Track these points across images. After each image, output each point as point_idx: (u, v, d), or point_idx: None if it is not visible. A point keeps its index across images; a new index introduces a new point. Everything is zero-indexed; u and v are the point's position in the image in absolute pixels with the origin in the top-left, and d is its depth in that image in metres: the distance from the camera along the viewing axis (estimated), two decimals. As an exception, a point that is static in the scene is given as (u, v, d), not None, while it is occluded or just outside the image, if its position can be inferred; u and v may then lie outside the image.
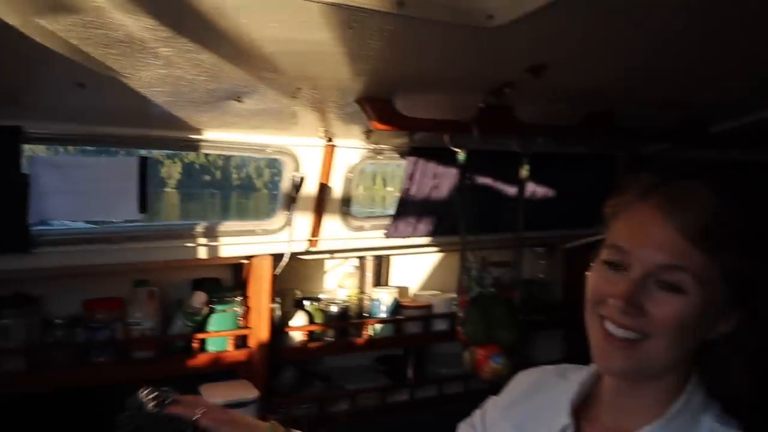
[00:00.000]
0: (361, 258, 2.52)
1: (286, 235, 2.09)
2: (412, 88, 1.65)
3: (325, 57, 1.33)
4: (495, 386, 1.25)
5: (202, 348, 2.16)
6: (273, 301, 2.25)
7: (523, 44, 1.36)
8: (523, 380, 1.12)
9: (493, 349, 1.69)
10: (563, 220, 2.23)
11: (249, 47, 1.26)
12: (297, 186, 1.94)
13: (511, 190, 2.07)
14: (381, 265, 2.55)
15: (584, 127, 1.81)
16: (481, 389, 2.48)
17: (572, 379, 1.03)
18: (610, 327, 0.85)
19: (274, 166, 2.10)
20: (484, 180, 2.00)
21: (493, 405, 1.14)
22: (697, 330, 0.85)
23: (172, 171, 14.70)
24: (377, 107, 1.68)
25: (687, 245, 0.82)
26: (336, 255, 2.48)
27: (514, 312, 1.77)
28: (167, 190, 14.28)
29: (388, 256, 2.59)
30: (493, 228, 1.86)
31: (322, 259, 2.54)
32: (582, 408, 1.00)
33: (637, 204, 0.87)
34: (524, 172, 1.80)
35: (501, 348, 1.70)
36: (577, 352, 2.62)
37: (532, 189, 2.13)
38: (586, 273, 0.90)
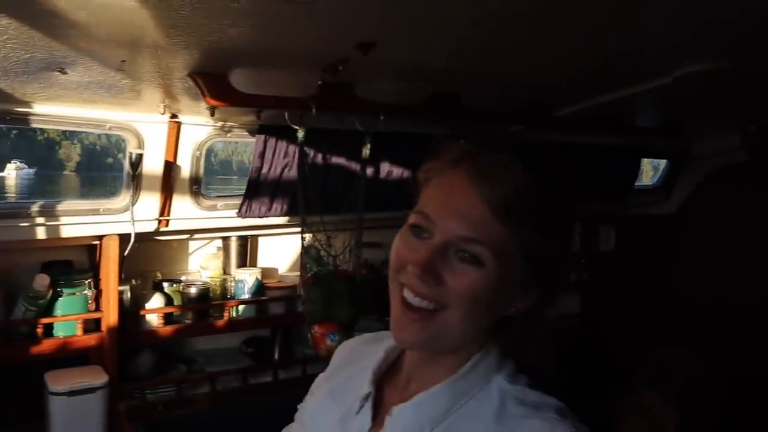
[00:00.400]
0: (225, 239, 2.48)
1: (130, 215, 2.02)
2: (248, 63, 1.62)
3: (146, 27, 1.28)
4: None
5: (49, 333, 2.07)
6: (125, 283, 2.18)
7: (348, 20, 1.36)
8: (341, 350, 1.13)
9: (331, 327, 1.70)
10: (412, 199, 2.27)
11: (57, 13, 1.20)
12: (134, 164, 1.88)
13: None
14: (246, 247, 2.52)
15: (429, 106, 1.83)
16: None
17: (385, 345, 1.03)
18: (408, 295, 0.84)
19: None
20: (335, 159, 2.00)
21: (318, 379, 1.14)
22: (493, 303, 0.85)
23: (71, 153, 14.01)
24: (211, 82, 1.64)
25: (490, 218, 0.81)
26: (197, 236, 2.43)
27: (354, 290, 1.78)
28: (66, 173, 13.62)
29: (255, 236, 2.56)
30: (337, 208, 1.86)
31: (186, 241, 2.48)
32: (388, 374, 1.00)
33: (449, 171, 0.85)
34: (366, 150, 1.81)
35: (339, 326, 1.71)
36: None
37: (387, 169, 2.15)
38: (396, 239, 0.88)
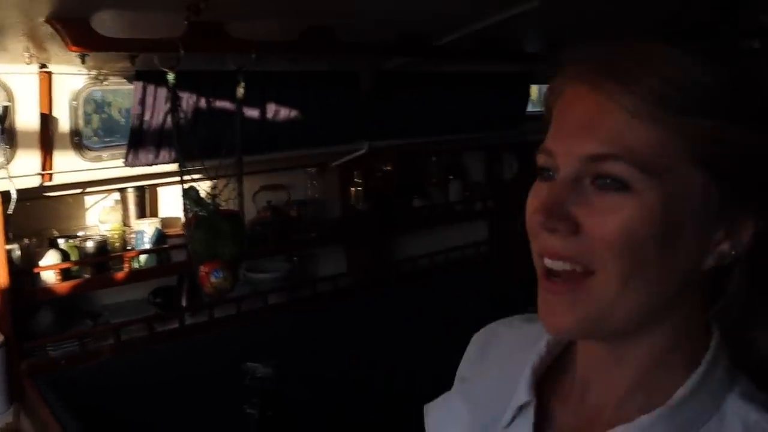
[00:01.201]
0: (122, 191, 2.45)
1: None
2: (110, 4, 1.58)
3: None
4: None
5: (-62, 298, 2.02)
6: (15, 241, 2.14)
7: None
8: (478, 337, 0.85)
9: (214, 265, 1.74)
10: (310, 138, 2.29)
11: None
12: (2, 117, 1.82)
13: (250, 111, 2.08)
14: (143, 197, 2.49)
15: (303, 42, 1.83)
16: (252, 310, 2.58)
17: (545, 335, 0.71)
18: (548, 261, 0.60)
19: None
20: (213, 101, 1.98)
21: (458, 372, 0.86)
22: (669, 248, 0.57)
23: None
24: (71, 28, 1.59)
25: (630, 122, 0.56)
26: (92, 189, 2.39)
27: (238, 228, 1.81)
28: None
29: (153, 186, 2.54)
30: (217, 151, 1.86)
31: (81, 196, 2.44)
32: (549, 375, 0.72)
33: (570, 85, 0.61)
34: (240, 90, 1.80)
35: (223, 263, 1.75)
36: (356, 265, 2.74)
37: (274, 109, 2.15)
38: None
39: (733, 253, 0.58)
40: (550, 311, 0.60)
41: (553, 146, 0.60)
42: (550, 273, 0.59)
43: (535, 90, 3.02)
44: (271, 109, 2.12)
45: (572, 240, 0.57)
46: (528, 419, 0.67)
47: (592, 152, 0.56)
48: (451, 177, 3.19)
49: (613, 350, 0.63)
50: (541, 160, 0.61)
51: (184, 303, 2.51)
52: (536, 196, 0.61)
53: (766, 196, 0.57)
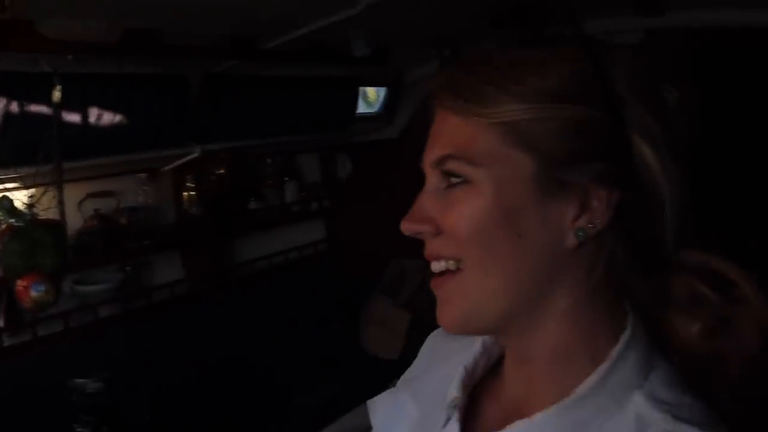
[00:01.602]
0: None
1: None
2: None
3: None
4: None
5: None
6: None
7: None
8: (431, 338, 0.87)
9: (34, 278, 1.64)
10: (138, 143, 2.21)
11: None
12: None
13: (70, 115, 1.97)
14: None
15: (125, 44, 1.78)
16: (82, 325, 2.44)
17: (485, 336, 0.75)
18: (432, 264, 0.65)
19: None
20: (28, 105, 1.86)
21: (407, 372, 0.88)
22: (513, 232, 0.60)
23: None
24: None
25: (458, 124, 0.63)
26: None
27: (59, 238, 1.72)
28: None
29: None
30: (33, 157, 1.75)
31: None
32: (490, 376, 0.75)
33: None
34: (56, 94, 1.71)
35: (43, 275, 1.65)
36: (193, 271, 2.64)
37: (97, 113, 2.05)
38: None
39: (592, 226, 0.60)
40: (439, 309, 0.65)
41: (422, 163, 0.68)
42: (434, 274, 0.65)
43: (373, 92, 3.15)
44: (93, 112, 2.03)
45: (438, 241, 0.63)
46: (455, 418, 0.69)
47: (435, 157, 0.64)
48: (287, 178, 3.22)
49: (516, 346, 0.66)
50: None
51: (1, 323, 2.31)
52: None
53: (599, 169, 0.59)
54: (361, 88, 2.99)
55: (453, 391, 0.71)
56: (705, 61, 3.11)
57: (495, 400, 0.71)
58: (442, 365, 0.78)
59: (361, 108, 3.09)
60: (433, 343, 0.87)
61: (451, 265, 0.63)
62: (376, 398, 0.85)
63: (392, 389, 0.85)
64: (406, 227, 0.66)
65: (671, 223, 0.61)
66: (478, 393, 0.73)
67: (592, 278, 0.62)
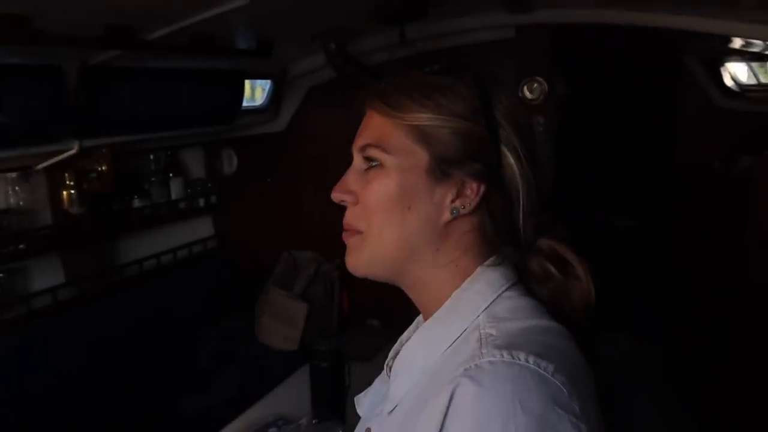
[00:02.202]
0: None
1: None
2: None
3: None
4: None
5: None
6: None
7: None
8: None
9: None
10: (5, 140, 2.09)
11: None
12: None
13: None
14: None
15: (-5, 32, 1.67)
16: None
17: None
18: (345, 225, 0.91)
19: None
20: None
21: None
22: (406, 203, 0.84)
23: None
24: None
25: (379, 120, 0.87)
26: None
27: None
28: None
29: None
30: None
31: None
32: None
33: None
34: None
35: None
36: (76, 274, 2.50)
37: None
38: None
39: (463, 207, 0.85)
40: (347, 257, 0.91)
41: (352, 148, 0.90)
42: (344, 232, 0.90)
43: (259, 87, 3.13)
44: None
45: (355, 209, 0.88)
46: (386, 370, 0.98)
47: (361, 144, 0.88)
48: (172, 174, 3.14)
49: (412, 294, 0.92)
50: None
51: None
52: None
53: (478, 166, 0.84)
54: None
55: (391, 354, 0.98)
56: (570, 55, 3.37)
57: None
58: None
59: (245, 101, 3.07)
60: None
61: (361, 227, 0.88)
62: (361, 393, 1.06)
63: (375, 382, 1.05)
64: (334, 196, 0.90)
65: (523, 213, 0.86)
66: None
67: (464, 244, 0.87)
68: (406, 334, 1.01)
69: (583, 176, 2.88)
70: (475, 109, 0.83)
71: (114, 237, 2.89)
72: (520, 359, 0.70)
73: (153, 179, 3.05)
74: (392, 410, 0.87)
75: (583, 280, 0.84)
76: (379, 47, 2.86)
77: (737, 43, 2.90)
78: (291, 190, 3.58)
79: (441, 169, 0.84)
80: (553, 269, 0.85)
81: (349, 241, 0.90)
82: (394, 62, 2.63)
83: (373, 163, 0.86)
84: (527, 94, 2.84)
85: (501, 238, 0.87)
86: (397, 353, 0.93)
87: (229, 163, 3.51)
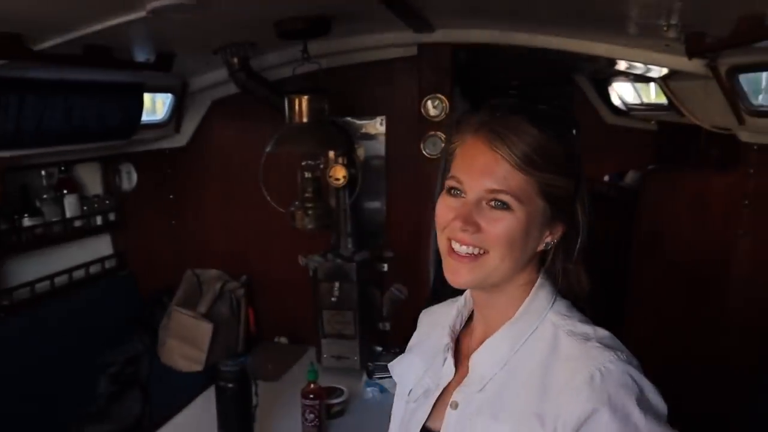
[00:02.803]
0: None
1: None
2: None
3: None
4: None
5: None
6: None
7: None
8: (425, 315, 1.39)
9: None
10: None
11: None
12: None
13: None
14: None
15: None
16: None
17: (457, 305, 1.27)
18: (456, 246, 1.08)
19: None
20: None
21: (411, 341, 1.39)
22: (525, 239, 1.07)
23: None
24: None
25: (510, 170, 1.04)
26: None
27: None
28: None
29: None
30: None
31: None
32: (466, 329, 1.24)
33: (471, 139, 1.08)
34: None
35: None
36: None
37: None
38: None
39: (552, 242, 1.12)
40: (455, 273, 1.09)
41: (464, 178, 1.07)
42: (452, 251, 1.08)
43: (159, 101, 3.04)
44: None
45: (475, 235, 1.05)
46: (450, 354, 1.19)
47: (491, 188, 1.04)
48: (66, 191, 2.99)
49: (488, 296, 1.14)
50: (452, 183, 1.09)
51: None
52: (450, 207, 1.08)
53: (567, 210, 1.10)
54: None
55: (445, 340, 1.21)
56: (469, 73, 3.49)
57: (469, 339, 1.21)
58: (433, 332, 1.28)
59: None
60: (425, 317, 1.38)
61: (477, 251, 1.07)
62: (395, 361, 1.35)
63: (402, 355, 1.35)
64: (460, 225, 1.06)
65: (579, 246, 1.14)
66: (461, 338, 1.23)
67: (536, 265, 1.15)
68: (452, 321, 1.25)
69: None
70: (573, 168, 1.09)
71: (1, 258, 2.72)
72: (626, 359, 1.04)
73: (45, 196, 2.90)
74: (481, 389, 1.10)
75: (583, 282, 1.17)
76: (283, 63, 2.86)
77: (622, 65, 3.11)
78: (194, 206, 3.49)
79: (551, 214, 1.08)
80: (584, 279, 1.17)
81: (465, 264, 1.08)
82: (297, 78, 2.63)
83: (501, 204, 1.05)
84: (429, 111, 2.91)
85: (566, 261, 1.15)
86: (451, 340, 1.22)
87: (129, 179, 3.39)
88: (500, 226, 1.05)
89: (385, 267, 3.18)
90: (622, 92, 3.71)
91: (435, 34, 2.81)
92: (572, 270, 1.15)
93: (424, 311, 1.40)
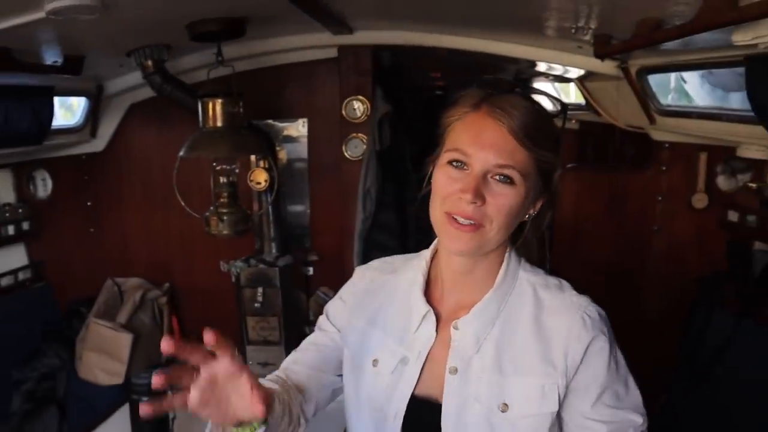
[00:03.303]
0: None
1: None
2: None
3: None
4: None
5: None
6: None
7: None
8: (361, 280, 1.34)
9: None
10: None
11: None
12: None
13: None
14: None
15: None
16: None
17: (405, 270, 1.29)
18: (459, 218, 1.11)
19: None
20: None
21: (335, 307, 1.36)
22: (520, 213, 1.14)
23: None
24: None
25: (516, 146, 1.09)
26: None
27: None
28: None
29: None
30: None
31: None
32: (426, 293, 1.24)
33: (472, 113, 1.13)
34: None
35: None
36: None
37: None
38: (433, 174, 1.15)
39: (533, 214, 1.18)
40: (456, 239, 1.12)
41: (471, 150, 1.09)
42: (453, 219, 1.11)
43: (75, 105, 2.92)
44: None
45: (480, 207, 1.09)
46: (430, 320, 1.20)
47: (500, 162, 1.08)
48: (-28, 200, 2.85)
49: (472, 264, 1.18)
50: (455, 155, 1.11)
51: None
52: (454, 179, 1.11)
53: (551, 184, 1.17)
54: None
55: (421, 307, 1.21)
56: (390, 75, 3.50)
57: (442, 304, 1.23)
58: (379, 298, 1.28)
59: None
60: (362, 282, 1.34)
61: (477, 222, 1.10)
62: (326, 323, 1.35)
63: (357, 327, 1.29)
64: (469, 198, 1.08)
65: (550, 219, 1.23)
66: (430, 302, 1.23)
67: (519, 233, 1.22)
68: (419, 285, 1.26)
69: (402, 196, 3.02)
70: (559, 145, 1.16)
71: None
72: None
73: (-51, 206, 2.76)
74: (478, 350, 1.17)
75: (532, 249, 1.27)
76: (202, 65, 2.80)
77: (542, 66, 3.17)
78: (113, 213, 3.38)
79: (540, 189, 1.15)
80: (535, 250, 1.27)
81: (466, 234, 1.11)
82: (214, 81, 2.58)
83: (505, 178, 1.10)
84: (350, 113, 2.90)
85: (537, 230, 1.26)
86: (430, 307, 1.22)
87: (44, 186, 3.25)
88: (504, 200, 1.09)
89: (311, 271, 3.16)
90: (544, 92, 3.78)
91: (354, 36, 2.80)
92: (528, 242, 1.25)
93: (358, 275, 1.37)
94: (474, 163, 1.09)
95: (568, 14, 2.04)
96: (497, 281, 1.19)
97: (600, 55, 2.25)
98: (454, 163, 1.12)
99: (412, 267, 1.28)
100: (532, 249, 1.26)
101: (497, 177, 1.09)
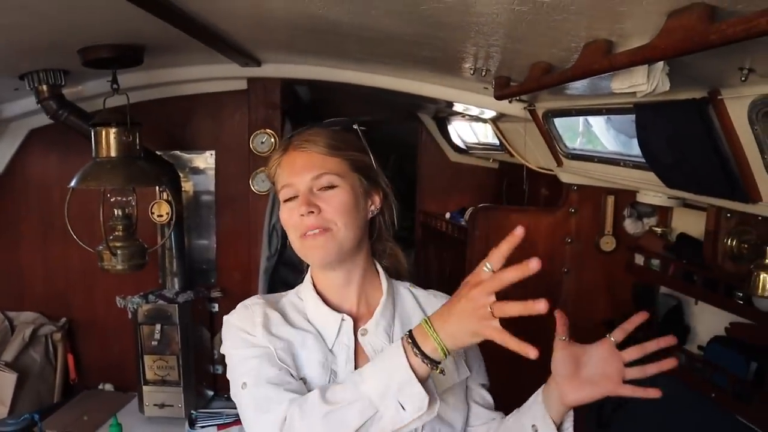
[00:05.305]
0: None
1: None
2: None
3: None
4: None
5: None
6: None
7: None
8: (256, 314, 1.30)
9: None
10: None
11: None
12: None
13: None
14: None
15: None
16: None
17: (291, 299, 1.38)
18: (308, 232, 1.25)
19: None
20: None
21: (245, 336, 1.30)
22: (357, 207, 1.29)
23: None
24: None
25: (323, 158, 1.27)
26: None
27: None
28: None
29: None
30: None
31: None
32: None
33: (284, 155, 1.31)
34: None
35: None
36: None
37: None
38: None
39: (376, 209, 1.35)
40: (313, 249, 1.25)
41: (292, 180, 1.27)
42: (305, 236, 1.24)
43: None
44: None
45: (319, 216, 1.23)
46: (348, 324, 1.30)
47: (314, 174, 1.26)
48: None
49: (347, 273, 1.32)
50: (285, 190, 1.28)
51: None
52: (292, 210, 1.26)
53: (376, 181, 1.35)
54: None
55: (334, 316, 1.31)
56: (315, 109, 3.46)
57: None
58: (282, 328, 1.29)
59: None
60: (258, 316, 1.30)
61: (323, 228, 1.24)
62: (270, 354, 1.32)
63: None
64: (304, 209, 1.23)
65: (396, 214, 1.41)
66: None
67: (374, 235, 1.39)
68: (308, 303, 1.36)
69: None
70: (366, 148, 1.35)
71: None
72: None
73: None
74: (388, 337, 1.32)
75: (400, 257, 1.45)
76: (100, 93, 2.69)
77: (458, 106, 3.18)
78: (9, 242, 3.20)
79: (366, 184, 1.31)
80: (402, 262, 1.46)
81: (319, 239, 1.24)
82: (109, 111, 2.47)
83: (327, 186, 1.26)
84: (258, 146, 2.84)
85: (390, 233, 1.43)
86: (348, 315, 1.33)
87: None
88: (335, 200, 1.24)
89: (216, 307, 3.04)
90: (461, 131, 3.80)
91: (263, 69, 2.75)
92: (393, 250, 1.42)
93: (246, 311, 1.32)
94: (298, 186, 1.26)
95: (466, 55, 2.03)
96: (384, 287, 1.36)
97: (499, 97, 2.25)
98: (288, 199, 1.27)
99: (296, 295, 1.38)
100: (398, 264, 1.44)
101: (320, 187, 1.26)
